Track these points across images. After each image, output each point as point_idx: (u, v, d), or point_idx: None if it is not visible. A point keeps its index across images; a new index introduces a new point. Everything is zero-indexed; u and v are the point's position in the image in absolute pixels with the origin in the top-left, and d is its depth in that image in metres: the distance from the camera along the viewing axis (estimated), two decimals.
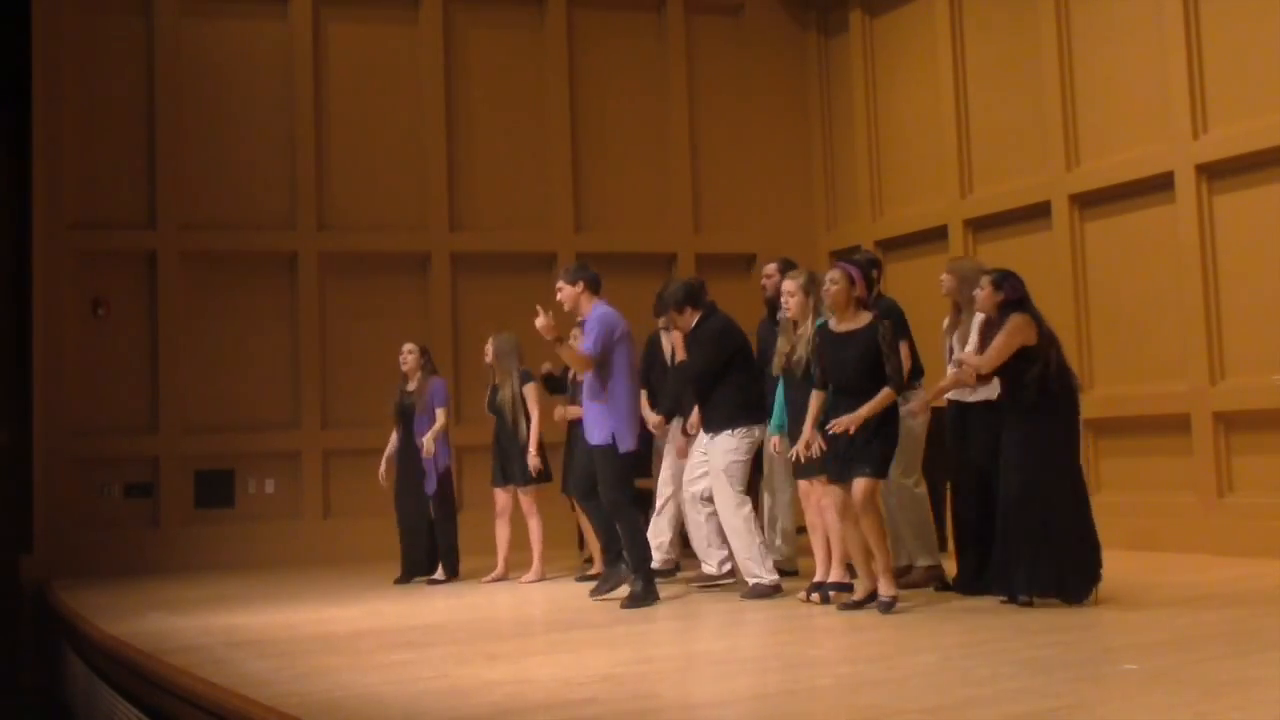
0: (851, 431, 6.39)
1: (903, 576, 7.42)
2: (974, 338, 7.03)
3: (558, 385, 8.92)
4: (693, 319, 7.71)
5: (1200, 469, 8.92)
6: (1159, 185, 9.28)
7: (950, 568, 7.41)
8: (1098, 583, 6.45)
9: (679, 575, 8.37)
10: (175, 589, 9.31)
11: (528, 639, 6.56)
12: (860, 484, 6.38)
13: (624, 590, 7.34)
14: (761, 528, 7.82)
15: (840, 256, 7.59)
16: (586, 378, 7.46)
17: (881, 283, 7.78)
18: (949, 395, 7.21)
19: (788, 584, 7.54)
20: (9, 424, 11.70)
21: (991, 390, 7.07)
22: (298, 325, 11.57)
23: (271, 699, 4.76)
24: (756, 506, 7.85)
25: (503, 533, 9.07)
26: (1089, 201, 9.90)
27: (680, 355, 7.73)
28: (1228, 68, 8.87)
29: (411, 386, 9.12)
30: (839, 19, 12.54)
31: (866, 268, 7.02)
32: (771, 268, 8.06)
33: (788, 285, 7.10)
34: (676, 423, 8.14)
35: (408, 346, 9.23)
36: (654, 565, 8.34)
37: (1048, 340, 6.50)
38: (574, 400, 8.39)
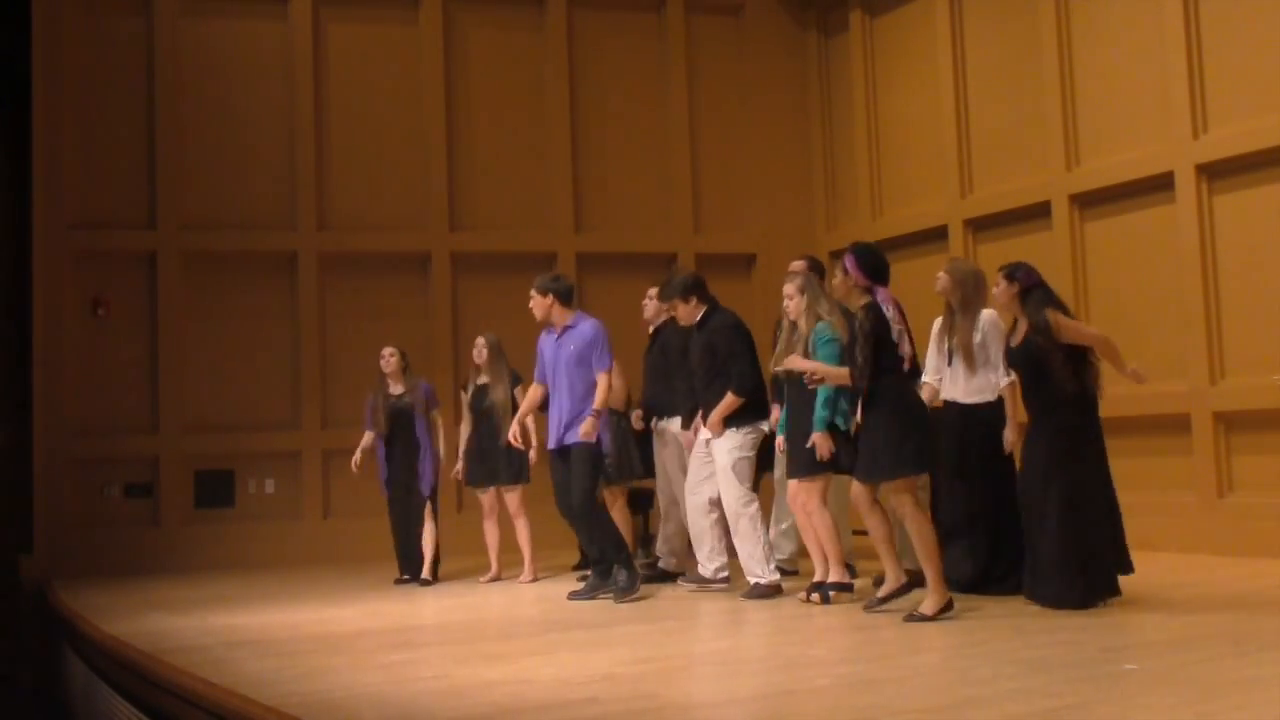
0: (798, 370, 6.65)
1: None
2: (988, 338, 6.98)
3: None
4: (697, 311, 7.71)
5: (1200, 469, 8.93)
6: (1159, 185, 9.28)
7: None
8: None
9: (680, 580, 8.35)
10: (175, 589, 9.31)
11: (527, 639, 6.56)
12: (891, 486, 6.29)
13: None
14: (768, 526, 7.83)
15: (840, 256, 7.54)
16: (571, 378, 7.57)
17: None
18: (945, 396, 7.20)
19: (788, 584, 7.54)
20: (9, 424, 11.70)
21: (989, 391, 7.07)
22: (298, 325, 11.58)
23: (271, 699, 4.76)
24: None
25: (492, 533, 9.07)
26: (1089, 201, 9.90)
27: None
28: (1228, 68, 8.87)
29: (398, 390, 9.10)
30: (839, 19, 12.55)
31: (863, 253, 6.83)
32: (799, 265, 7.92)
33: (786, 288, 7.10)
34: (671, 422, 8.15)
35: (389, 350, 9.17)
36: (668, 569, 8.41)
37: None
38: None
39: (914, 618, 6.16)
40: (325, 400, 11.55)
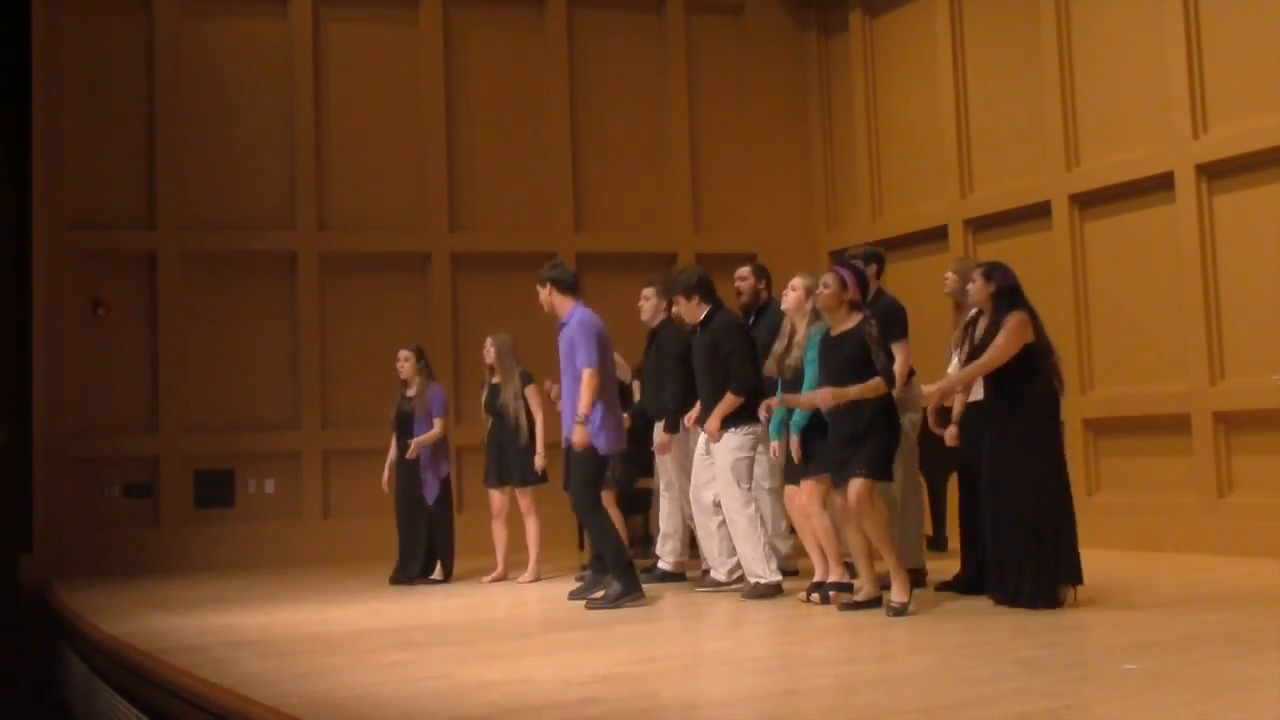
0: (830, 405, 6.44)
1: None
2: (962, 336, 7.00)
3: None
4: (699, 311, 7.71)
5: (1200, 469, 8.92)
6: (1159, 185, 9.28)
7: (948, 567, 7.41)
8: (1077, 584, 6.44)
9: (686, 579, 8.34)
10: (175, 589, 9.31)
11: (527, 639, 6.56)
12: (854, 485, 6.34)
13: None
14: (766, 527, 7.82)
15: (839, 256, 7.55)
16: (567, 379, 7.49)
17: (882, 278, 7.72)
18: (972, 397, 7.17)
19: (788, 584, 7.54)
20: (9, 424, 11.70)
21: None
22: (298, 325, 11.58)
23: (271, 699, 4.76)
24: None
25: (500, 533, 9.07)
26: (1089, 201, 9.90)
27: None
28: (1228, 68, 8.87)
29: (411, 392, 9.10)
30: (839, 19, 12.54)
31: (864, 266, 6.98)
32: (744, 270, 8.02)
33: (794, 281, 7.14)
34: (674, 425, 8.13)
35: (404, 353, 9.15)
36: (667, 568, 8.39)
37: (1045, 338, 6.48)
38: None
39: (895, 611, 6.31)
40: (325, 400, 11.54)
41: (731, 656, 5.78)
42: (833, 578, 6.99)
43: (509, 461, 8.84)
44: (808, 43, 12.94)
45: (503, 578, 8.98)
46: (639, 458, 8.73)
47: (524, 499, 8.89)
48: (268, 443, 11.42)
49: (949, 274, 7.33)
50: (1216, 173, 8.94)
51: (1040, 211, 10.21)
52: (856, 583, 6.76)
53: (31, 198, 11.07)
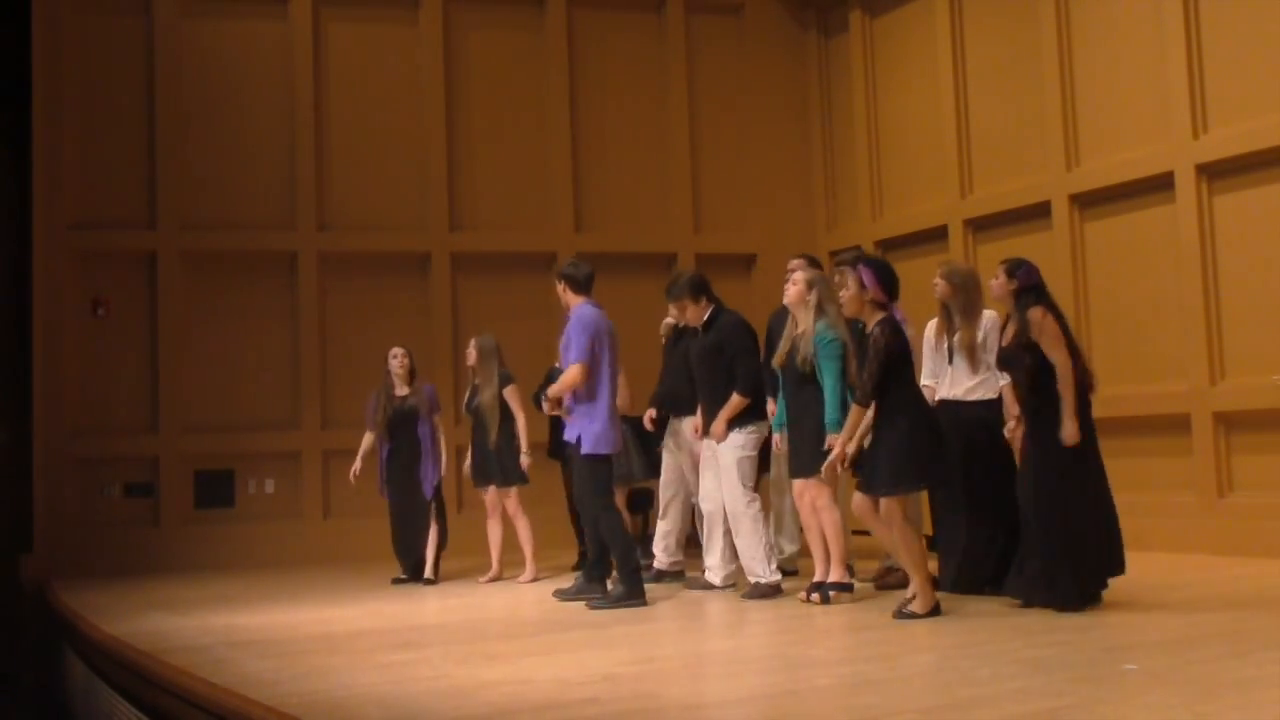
0: (844, 458, 6.40)
1: (888, 576, 7.45)
2: (989, 338, 7.00)
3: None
4: (703, 311, 7.71)
5: (1200, 469, 8.93)
6: (1159, 185, 9.28)
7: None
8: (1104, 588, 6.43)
9: (685, 579, 8.34)
10: (175, 589, 9.31)
11: (527, 639, 6.55)
12: (881, 505, 6.33)
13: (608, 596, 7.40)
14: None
15: (839, 256, 7.53)
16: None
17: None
18: (943, 395, 7.18)
19: (788, 584, 7.54)
20: (9, 424, 11.70)
21: (989, 388, 7.07)
22: (298, 325, 11.58)
23: (271, 699, 4.76)
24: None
25: (495, 532, 9.07)
26: (1089, 201, 9.90)
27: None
28: (1228, 68, 8.87)
29: (402, 391, 9.09)
30: (839, 19, 12.55)
31: (881, 267, 6.85)
32: (799, 263, 7.87)
33: (795, 275, 7.12)
34: (688, 421, 8.08)
35: (400, 351, 9.14)
36: (663, 568, 8.39)
37: (1071, 337, 6.41)
38: None
39: (904, 614, 6.22)
40: (325, 400, 11.55)
41: (732, 656, 5.79)
42: (833, 577, 6.98)
43: (489, 462, 8.85)
44: (808, 43, 12.94)
45: (499, 577, 8.98)
46: (642, 458, 8.74)
47: (509, 500, 8.87)
48: (268, 443, 11.42)
49: (937, 280, 7.29)
50: (1216, 173, 8.95)
51: (1040, 211, 10.21)
52: (905, 593, 6.51)
53: (31, 198, 11.06)
